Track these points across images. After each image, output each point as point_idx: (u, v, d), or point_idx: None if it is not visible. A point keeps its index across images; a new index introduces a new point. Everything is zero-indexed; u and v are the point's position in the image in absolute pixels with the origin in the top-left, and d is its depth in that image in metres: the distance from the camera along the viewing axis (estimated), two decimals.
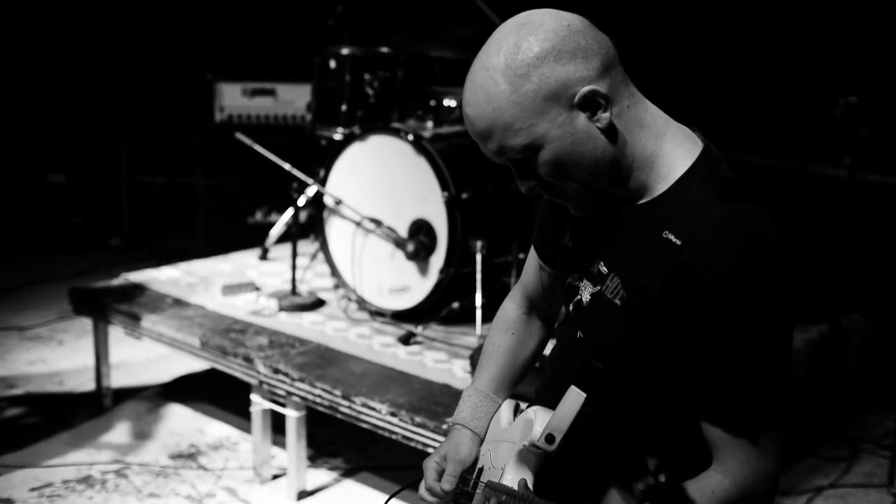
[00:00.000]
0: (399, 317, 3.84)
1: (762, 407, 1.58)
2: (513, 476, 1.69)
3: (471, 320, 3.62)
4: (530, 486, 1.66)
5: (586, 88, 1.55)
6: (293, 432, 3.39)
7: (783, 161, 4.92)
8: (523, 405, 1.89)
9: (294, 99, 5.50)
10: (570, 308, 1.79)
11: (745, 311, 1.53)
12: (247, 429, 3.71)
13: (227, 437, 3.89)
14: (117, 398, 4.17)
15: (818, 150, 4.82)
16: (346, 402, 3.20)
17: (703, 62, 5.25)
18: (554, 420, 1.59)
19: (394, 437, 3.11)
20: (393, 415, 3.08)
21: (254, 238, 4.97)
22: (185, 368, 4.51)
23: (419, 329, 3.69)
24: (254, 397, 3.50)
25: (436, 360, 3.48)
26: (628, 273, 1.64)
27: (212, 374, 4.14)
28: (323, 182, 4.04)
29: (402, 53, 4.45)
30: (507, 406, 1.90)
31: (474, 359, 3.33)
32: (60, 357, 4.63)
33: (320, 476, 3.60)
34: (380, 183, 3.91)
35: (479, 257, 3.60)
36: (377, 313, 3.89)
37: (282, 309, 3.91)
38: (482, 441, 1.90)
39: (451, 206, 3.66)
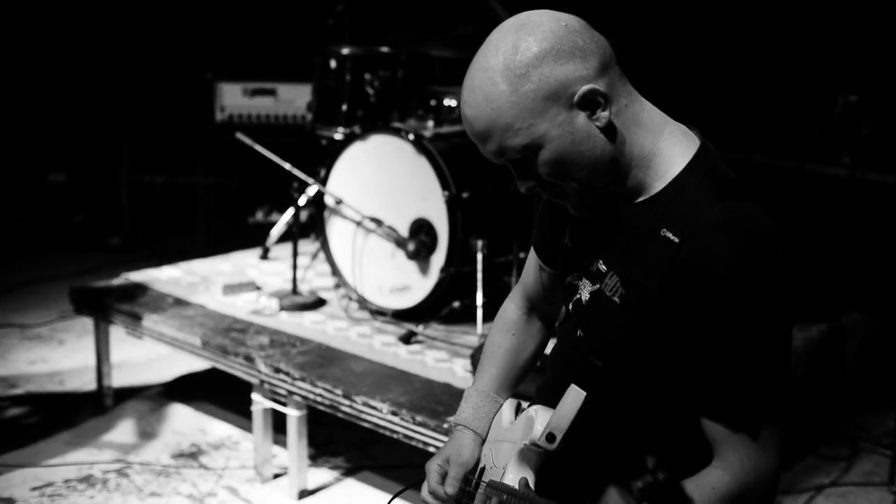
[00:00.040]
0: (400, 316, 3.84)
1: (761, 402, 1.58)
2: (514, 475, 1.69)
3: (472, 319, 3.62)
4: (531, 484, 1.67)
5: (585, 87, 1.55)
6: (294, 431, 3.39)
7: (783, 160, 4.92)
8: (524, 404, 1.90)
9: (294, 98, 5.50)
10: (570, 307, 1.79)
11: (743, 307, 1.53)
12: (248, 428, 3.72)
13: (229, 437, 3.89)
14: (118, 398, 4.17)
15: (818, 150, 4.83)
16: (347, 402, 3.20)
17: (703, 61, 5.25)
18: (554, 419, 1.59)
19: (395, 436, 3.11)
20: (394, 414, 3.08)
21: (254, 238, 4.97)
22: (186, 368, 4.51)
23: (420, 328, 3.69)
24: (255, 396, 3.50)
25: (437, 360, 3.48)
26: (627, 271, 1.65)
27: (213, 373, 4.14)
28: (323, 181, 4.04)
29: (403, 53, 4.45)
30: (508, 405, 1.90)
31: (475, 358, 3.34)
32: (61, 356, 4.63)
33: (321, 475, 3.61)
34: (380, 182, 3.91)
35: (479, 256, 3.60)
36: (378, 312, 3.90)
37: (283, 308, 3.91)
38: (484, 441, 1.90)
39: (452, 205, 3.67)
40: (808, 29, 4.96)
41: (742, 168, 1.77)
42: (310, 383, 3.29)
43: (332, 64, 4.42)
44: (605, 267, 1.69)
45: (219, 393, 4.18)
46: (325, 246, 4.09)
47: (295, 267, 3.99)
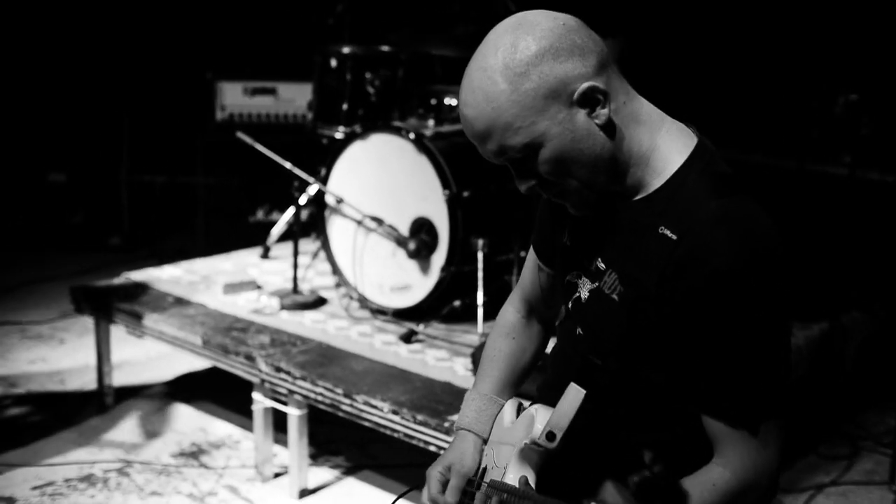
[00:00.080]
0: (400, 315, 3.84)
1: (761, 399, 1.59)
2: (514, 474, 1.70)
3: (472, 318, 3.62)
4: (532, 483, 1.67)
5: (585, 85, 1.56)
6: (295, 430, 3.39)
7: (783, 160, 4.92)
8: (526, 403, 1.90)
9: (295, 98, 5.50)
10: (570, 305, 1.80)
11: (741, 303, 1.54)
12: (248, 427, 3.72)
13: (229, 436, 3.89)
14: (119, 397, 4.17)
15: (818, 149, 4.82)
16: (347, 401, 3.20)
17: (703, 61, 5.25)
18: (554, 417, 1.59)
19: (395, 435, 3.12)
20: (394, 413, 3.08)
21: (254, 237, 4.97)
22: (186, 367, 4.51)
23: (420, 327, 3.69)
24: (255, 396, 3.50)
25: (437, 359, 3.48)
26: (625, 268, 1.65)
27: (213, 372, 4.14)
28: (324, 181, 4.04)
29: (403, 52, 4.45)
30: (510, 406, 1.90)
31: (476, 357, 3.34)
32: (62, 356, 4.63)
33: (322, 474, 3.61)
34: (381, 181, 3.91)
35: (480, 255, 3.60)
36: (378, 311, 3.90)
37: (283, 307, 3.91)
38: (486, 442, 1.90)
39: (453, 204, 3.67)
40: (808, 28, 4.96)
41: (742, 168, 1.78)
42: (310, 382, 3.29)
43: (333, 63, 4.42)
44: (603, 265, 1.70)
45: (219, 392, 4.18)
46: (325, 245, 4.09)
47: (295, 266, 3.99)
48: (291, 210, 4.23)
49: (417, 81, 4.45)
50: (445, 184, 3.67)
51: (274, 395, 3.46)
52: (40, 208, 6.54)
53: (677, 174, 1.62)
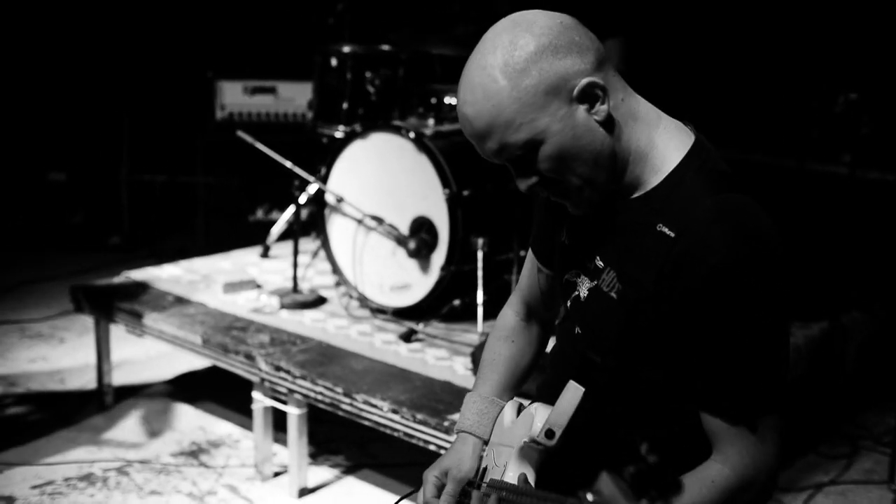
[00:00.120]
0: (400, 314, 3.84)
1: (759, 395, 1.59)
2: (514, 473, 1.70)
3: (472, 317, 3.62)
4: (531, 481, 1.67)
5: (585, 81, 1.56)
6: (294, 430, 3.39)
7: (784, 159, 4.92)
8: (526, 403, 1.90)
9: (295, 97, 5.50)
10: (568, 304, 1.80)
11: (739, 299, 1.54)
12: (248, 426, 3.72)
13: (229, 435, 3.89)
14: (119, 396, 4.17)
15: (818, 148, 4.82)
16: (347, 400, 3.20)
17: (703, 60, 5.25)
18: (553, 415, 1.60)
19: (395, 434, 3.12)
20: (394, 412, 3.08)
21: (254, 236, 4.97)
22: (186, 366, 4.51)
23: (420, 326, 3.69)
24: (255, 395, 3.50)
25: (437, 358, 3.48)
26: (623, 267, 1.65)
27: (213, 371, 4.14)
28: (324, 180, 4.04)
29: (403, 51, 4.45)
30: (510, 406, 1.90)
31: (475, 356, 3.34)
32: (61, 355, 4.63)
33: (321, 473, 3.61)
34: (381, 181, 3.91)
35: (480, 254, 3.60)
36: (378, 311, 3.90)
37: (283, 306, 3.91)
38: (487, 443, 1.90)
39: (453, 203, 3.67)
40: (808, 27, 4.97)
41: (742, 167, 1.78)
42: (310, 381, 3.29)
43: (333, 62, 4.42)
44: (602, 263, 1.70)
45: (219, 391, 4.18)
46: (325, 244, 4.09)
47: (295, 265, 3.99)
48: (291, 209, 4.23)
49: (417, 81, 4.45)
50: (445, 183, 3.67)
51: (274, 395, 3.46)
52: (40, 207, 6.55)
53: (675, 172, 1.62)
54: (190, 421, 4.01)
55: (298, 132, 5.15)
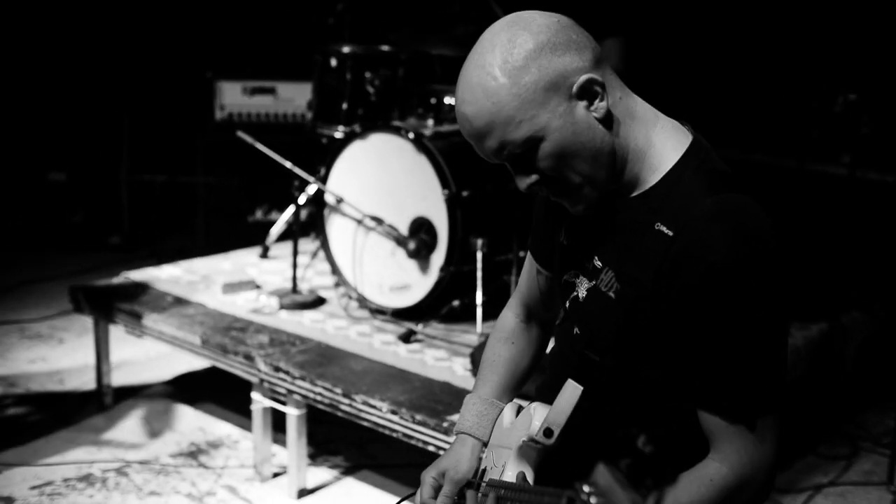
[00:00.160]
0: (399, 315, 3.84)
1: (758, 393, 1.59)
2: (512, 472, 1.70)
3: (471, 318, 3.62)
4: (530, 479, 1.67)
5: (584, 77, 1.56)
6: (294, 430, 3.39)
7: (783, 159, 4.92)
8: (525, 405, 1.90)
9: (294, 97, 5.50)
10: (567, 305, 1.80)
11: (737, 297, 1.54)
12: (247, 427, 3.72)
13: (228, 436, 3.89)
14: (118, 396, 4.17)
15: (818, 148, 4.83)
16: (346, 401, 3.20)
17: (703, 60, 5.25)
18: (552, 414, 1.60)
19: (394, 435, 3.11)
20: (393, 413, 3.08)
21: (254, 236, 4.97)
22: (186, 367, 4.51)
23: (420, 327, 3.69)
24: (254, 395, 3.50)
25: (436, 358, 3.48)
26: (622, 266, 1.65)
27: (213, 372, 4.14)
28: (324, 180, 4.04)
29: (403, 52, 4.45)
30: (510, 408, 1.90)
31: (475, 357, 3.34)
32: (61, 355, 4.63)
33: (321, 474, 3.61)
34: (380, 181, 3.91)
35: (479, 255, 3.60)
36: (378, 311, 3.90)
37: (282, 307, 3.91)
38: (486, 445, 1.90)
39: (452, 204, 3.67)
40: (808, 28, 4.97)
41: (742, 167, 1.78)
42: (309, 382, 3.29)
43: (333, 62, 4.42)
44: (600, 263, 1.70)
45: (218, 392, 4.18)
46: (324, 244, 4.09)
47: (295, 265, 3.99)
48: (291, 209, 4.23)
49: (417, 81, 4.45)
50: (445, 183, 3.67)
51: (273, 395, 3.46)
52: (40, 207, 6.54)
53: (673, 171, 1.63)
54: (189, 422, 4.01)
55: (298, 132, 5.15)
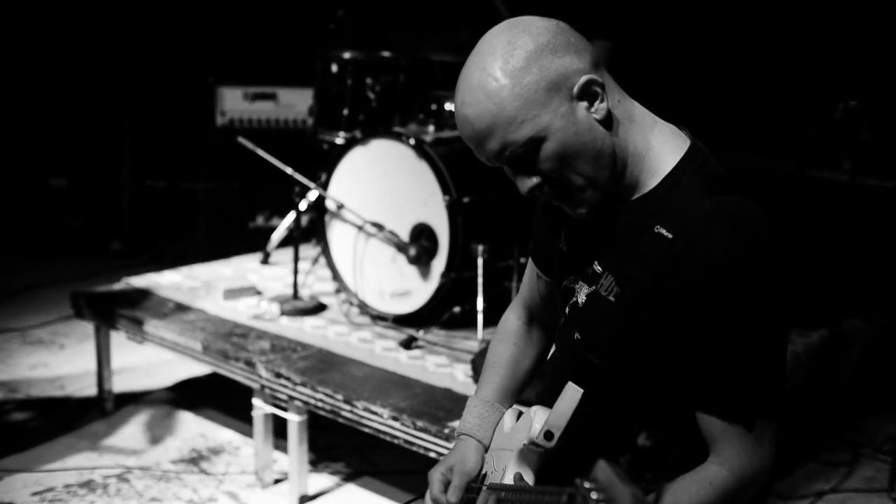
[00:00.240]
0: (400, 321, 3.84)
1: (756, 395, 1.59)
2: (513, 475, 1.70)
3: (472, 324, 3.62)
4: (529, 481, 1.67)
5: (584, 78, 1.58)
6: (295, 437, 3.39)
7: (783, 165, 4.92)
8: (525, 410, 1.90)
9: (295, 103, 5.50)
10: (567, 311, 1.80)
11: (736, 300, 1.55)
12: (248, 433, 3.72)
13: (229, 442, 3.89)
14: (119, 402, 4.17)
15: (818, 154, 4.83)
16: (347, 407, 3.20)
17: (703, 66, 5.26)
18: (552, 417, 1.60)
19: (395, 441, 3.11)
20: (395, 419, 3.08)
21: (255, 242, 4.97)
22: (187, 373, 4.51)
23: (421, 333, 3.69)
24: (255, 402, 3.50)
25: (437, 365, 3.48)
26: (622, 269, 1.66)
27: (214, 378, 4.14)
28: (324, 186, 4.05)
29: (404, 57, 4.45)
30: (510, 414, 1.91)
31: (476, 363, 3.34)
32: (62, 361, 4.63)
33: (322, 481, 3.60)
34: (381, 187, 3.92)
35: (480, 261, 3.60)
36: (379, 317, 3.90)
37: (283, 313, 3.91)
38: (487, 449, 1.90)
39: (453, 210, 3.67)
40: (808, 34, 4.97)
41: (742, 173, 1.79)
42: (310, 388, 3.29)
43: (334, 68, 4.42)
44: (600, 268, 1.71)
45: (220, 398, 4.18)
46: (325, 250, 4.09)
47: (296, 272, 4.00)
48: (292, 215, 4.23)
49: (418, 87, 4.45)
50: (445, 190, 3.67)
51: (274, 401, 3.46)
52: (41, 213, 6.55)
53: (672, 174, 1.64)
54: (190, 428, 4.01)
55: (299, 138, 5.15)
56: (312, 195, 4.33)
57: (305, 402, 3.33)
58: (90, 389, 4.25)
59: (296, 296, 3.98)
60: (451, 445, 2.85)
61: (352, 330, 3.82)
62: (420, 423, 3.02)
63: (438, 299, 3.75)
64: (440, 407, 3.12)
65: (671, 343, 1.61)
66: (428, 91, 4.35)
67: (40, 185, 6.51)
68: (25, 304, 5.36)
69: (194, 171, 6.06)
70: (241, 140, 4.30)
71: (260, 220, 5.82)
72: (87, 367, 4.42)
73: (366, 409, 3.15)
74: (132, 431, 3.97)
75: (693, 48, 5.24)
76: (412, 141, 3.76)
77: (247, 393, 3.56)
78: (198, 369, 4.46)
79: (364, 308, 3.95)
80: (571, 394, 1.58)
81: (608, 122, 1.61)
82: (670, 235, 1.58)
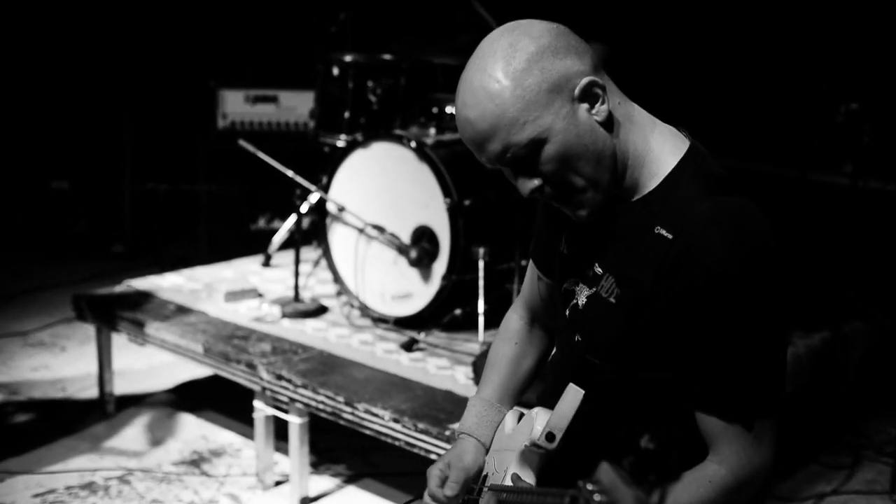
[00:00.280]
0: (401, 323, 3.84)
1: (756, 394, 1.60)
2: (513, 476, 1.70)
3: (473, 327, 3.62)
4: (531, 483, 1.67)
5: (585, 80, 1.58)
6: (296, 439, 3.39)
7: (785, 169, 4.92)
8: (526, 412, 1.90)
9: (297, 106, 5.51)
10: (568, 313, 1.80)
11: (736, 300, 1.55)
12: (250, 435, 3.72)
13: (230, 444, 3.89)
14: (120, 405, 4.17)
15: (820, 158, 4.83)
16: (348, 409, 3.20)
17: (705, 71, 5.26)
18: (553, 418, 1.60)
19: (396, 443, 3.12)
20: (396, 421, 3.08)
21: (256, 245, 4.98)
22: (188, 375, 4.51)
23: (422, 335, 3.69)
24: (257, 404, 3.50)
25: (438, 367, 3.48)
26: (622, 270, 1.67)
27: (215, 380, 4.14)
28: (326, 189, 4.05)
29: (405, 60, 4.46)
30: (511, 416, 1.91)
31: (477, 365, 3.34)
32: (63, 363, 4.63)
33: (323, 482, 3.61)
34: (382, 190, 3.92)
35: (481, 264, 3.60)
36: (380, 320, 3.90)
37: (285, 315, 3.91)
38: (487, 450, 1.90)
39: (454, 212, 3.67)
40: (810, 37, 4.97)
41: (744, 176, 1.79)
42: (312, 390, 3.29)
43: (335, 71, 4.43)
44: (600, 270, 1.71)
45: (221, 400, 4.18)
46: (326, 253, 4.09)
47: (297, 274, 4.00)
48: (293, 218, 4.23)
49: (419, 90, 4.46)
50: (446, 192, 3.68)
51: (275, 403, 3.46)
52: (43, 215, 6.56)
53: (671, 175, 1.64)
54: (191, 430, 4.01)
55: (300, 141, 5.16)
56: (313, 198, 4.33)
57: (306, 404, 3.33)
58: (91, 391, 4.25)
59: (297, 298, 3.99)
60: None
61: (353, 332, 3.82)
62: (421, 426, 3.02)
63: (439, 302, 3.75)
64: (441, 409, 3.12)
65: (671, 343, 1.61)
66: (429, 94, 4.35)
67: (42, 188, 6.52)
68: (27, 306, 5.36)
69: (195, 173, 6.06)
70: (243, 143, 4.30)
71: (261, 223, 5.83)
72: (88, 370, 4.43)
73: (367, 411, 3.15)
74: (133, 433, 3.98)
75: (691, 52, 5.24)
76: (413, 143, 3.76)
77: (248, 395, 3.56)
78: (199, 371, 4.46)
79: (365, 310, 3.95)
80: (573, 395, 1.58)
81: (609, 123, 1.61)
82: (670, 236, 1.59)
